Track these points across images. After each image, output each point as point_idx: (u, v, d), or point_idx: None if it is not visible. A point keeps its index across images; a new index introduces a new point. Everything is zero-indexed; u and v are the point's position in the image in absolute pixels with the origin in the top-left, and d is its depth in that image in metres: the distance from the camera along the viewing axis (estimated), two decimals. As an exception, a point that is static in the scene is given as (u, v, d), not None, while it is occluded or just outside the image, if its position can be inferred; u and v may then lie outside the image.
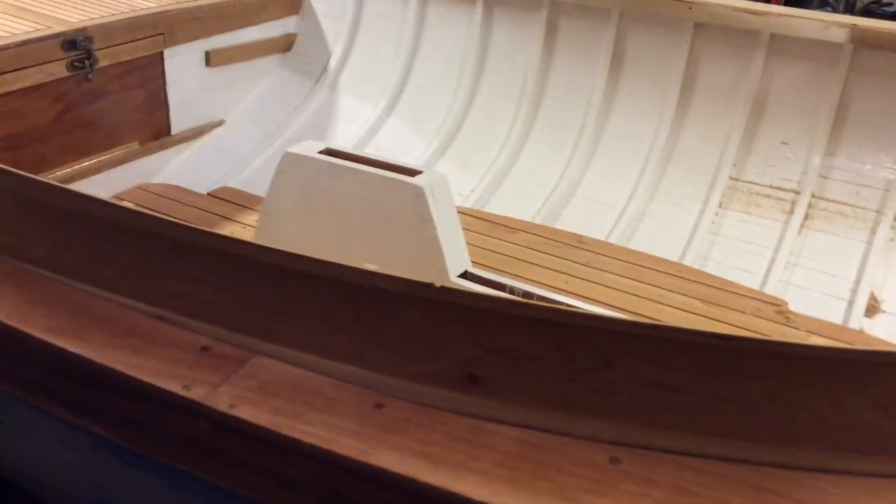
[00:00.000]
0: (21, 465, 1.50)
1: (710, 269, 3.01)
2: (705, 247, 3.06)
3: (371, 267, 1.01)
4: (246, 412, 1.02)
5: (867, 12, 4.37)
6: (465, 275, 2.28)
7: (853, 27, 2.79)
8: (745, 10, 2.98)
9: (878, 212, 2.90)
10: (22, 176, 1.20)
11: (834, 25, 2.82)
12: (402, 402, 1.05)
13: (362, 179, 2.28)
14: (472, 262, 2.52)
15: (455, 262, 2.34)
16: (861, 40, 2.79)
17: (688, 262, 3.03)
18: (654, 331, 0.94)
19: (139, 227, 1.15)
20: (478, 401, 1.02)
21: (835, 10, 4.02)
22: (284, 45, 3.66)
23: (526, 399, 1.01)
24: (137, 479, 1.19)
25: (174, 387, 1.05)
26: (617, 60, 3.30)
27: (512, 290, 2.53)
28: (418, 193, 2.23)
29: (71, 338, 1.12)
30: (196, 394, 1.05)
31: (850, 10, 4.40)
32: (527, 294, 2.52)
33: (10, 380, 1.21)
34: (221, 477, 1.07)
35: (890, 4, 4.39)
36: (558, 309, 0.97)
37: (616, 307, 2.50)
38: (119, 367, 1.07)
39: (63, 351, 1.10)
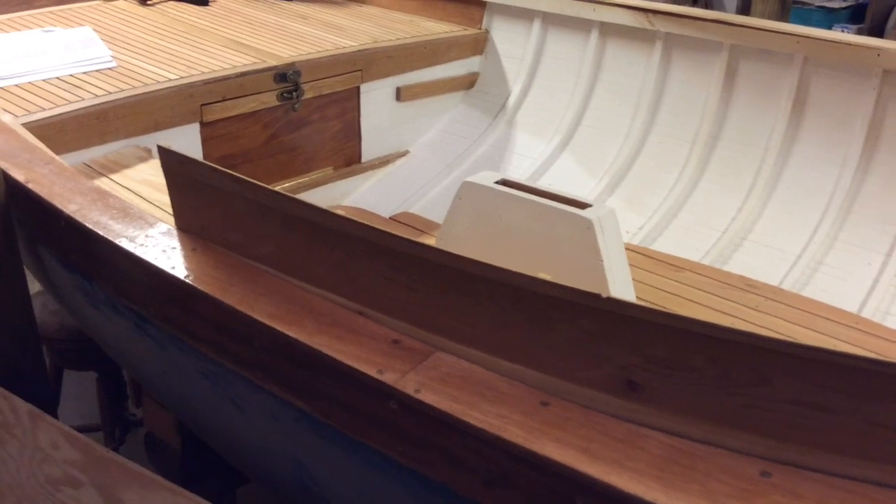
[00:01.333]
0: (229, 435, 1.74)
1: (891, 323, 2.90)
2: (887, 300, 2.95)
3: (544, 276, 1.14)
4: (429, 397, 1.17)
5: None
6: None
7: None
8: (939, 57, 2.88)
9: None
10: (254, 184, 1.43)
11: None
12: (566, 402, 1.16)
13: (534, 210, 2.43)
14: (638, 297, 2.59)
15: (619, 295, 2.42)
16: None
17: (866, 314, 2.93)
18: (811, 352, 1.00)
19: (346, 231, 1.35)
20: (635, 406, 1.12)
21: None
22: (468, 82, 3.90)
23: (680, 408, 1.09)
24: (330, 453, 1.37)
25: (370, 370, 1.22)
26: (798, 105, 3.27)
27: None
28: (587, 226, 2.34)
29: (288, 323, 1.32)
30: (388, 378, 1.21)
31: None
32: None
33: (233, 357, 1.43)
34: (403, 454, 1.23)
35: None
36: (716, 325, 1.05)
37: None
38: (325, 349, 1.25)
39: (280, 334, 1.30)
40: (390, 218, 3.32)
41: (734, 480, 1.03)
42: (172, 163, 1.57)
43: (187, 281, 1.44)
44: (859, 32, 4.76)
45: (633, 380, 1.12)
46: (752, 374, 1.04)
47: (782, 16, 4.82)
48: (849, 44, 3.12)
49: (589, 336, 1.14)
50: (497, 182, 2.50)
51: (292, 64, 3.12)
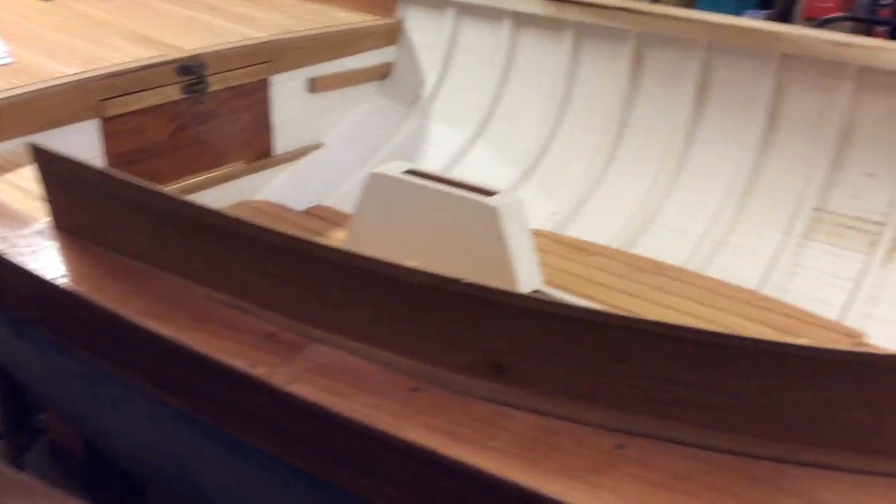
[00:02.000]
0: (115, 438, 1.71)
1: (789, 299, 3.00)
2: (785, 277, 3.05)
3: (412, 263, 1.15)
4: (300, 389, 1.17)
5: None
6: (536, 293, 2.38)
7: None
8: (833, 42, 2.98)
9: (968, 246, 2.83)
10: (127, 181, 1.41)
11: (922, 56, 2.79)
12: (436, 387, 1.17)
13: (441, 198, 2.44)
14: (548, 282, 2.63)
15: (526, 280, 2.46)
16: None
17: (766, 291, 3.03)
18: (659, 328, 1.03)
19: (220, 225, 1.33)
20: (501, 388, 1.14)
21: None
22: (382, 73, 3.89)
23: (544, 388, 1.12)
24: (209, 450, 1.36)
25: (242, 365, 1.21)
26: (702, 90, 3.35)
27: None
28: (492, 213, 2.36)
29: (161, 320, 1.31)
30: (260, 372, 1.21)
31: (959, 41, 4.26)
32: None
33: (109, 357, 1.41)
34: (277, 447, 1.22)
35: None
36: (572, 306, 1.08)
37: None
38: (197, 345, 1.24)
39: (152, 332, 1.28)
40: (304, 211, 3.30)
41: (591, 454, 1.06)
42: (46, 161, 1.53)
43: (59, 282, 1.41)
44: (769, 18, 4.90)
45: (498, 362, 1.14)
46: (607, 351, 1.07)
47: (691, 3, 4.93)
48: (749, 29, 3.21)
49: (455, 321, 1.15)
50: (405, 172, 2.51)
51: (197, 56, 3.07)
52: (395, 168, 2.55)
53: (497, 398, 1.14)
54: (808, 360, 0.96)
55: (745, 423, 1.02)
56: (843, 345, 2.56)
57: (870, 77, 2.98)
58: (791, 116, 3.20)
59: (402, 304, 1.18)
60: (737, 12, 4.96)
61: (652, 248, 3.25)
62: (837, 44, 2.98)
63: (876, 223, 3.01)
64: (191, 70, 3.03)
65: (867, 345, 2.57)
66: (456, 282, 1.12)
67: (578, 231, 3.34)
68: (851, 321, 2.87)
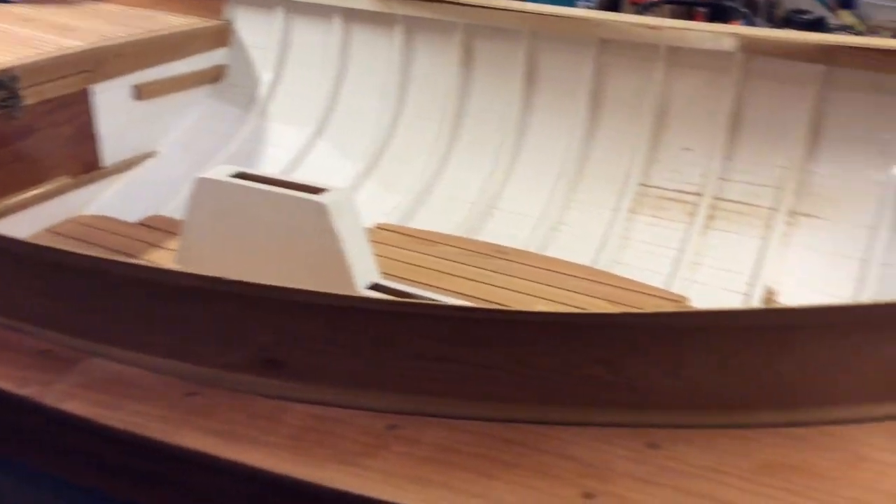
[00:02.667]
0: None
1: (621, 271, 3.15)
2: (616, 250, 3.20)
3: (175, 266, 1.14)
4: (71, 405, 1.14)
5: (787, 21, 4.55)
6: (375, 286, 2.40)
7: (743, 37, 2.95)
8: (643, 26, 3.14)
9: (772, 209, 3.04)
10: None
11: (725, 36, 2.98)
12: (214, 389, 1.17)
13: (270, 200, 2.42)
14: (392, 275, 2.65)
15: (363, 274, 2.47)
16: (751, 48, 2.95)
17: (600, 265, 3.17)
18: (418, 309, 1.07)
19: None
20: (278, 383, 1.15)
21: (751, 21, 4.20)
22: (214, 75, 3.81)
23: (319, 377, 1.14)
24: (-4, 476, 1.31)
25: (10, 385, 1.17)
26: (530, 78, 3.46)
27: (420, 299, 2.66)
28: (321, 210, 2.36)
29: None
30: (30, 391, 1.17)
31: (771, 19, 4.57)
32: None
33: None
34: (55, 466, 1.19)
35: (808, 13, 4.57)
36: (336, 295, 1.10)
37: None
38: (-37, 371, 1.20)
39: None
40: (139, 223, 3.20)
41: (364, 437, 1.08)
42: None
43: None
44: (599, 7, 5.10)
45: (273, 358, 1.15)
46: (372, 336, 1.10)
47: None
48: (569, 17, 3.33)
49: (226, 321, 1.15)
50: (234, 175, 2.47)
51: (8, 70, 2.92)
52: (223, 172, 2.51)
53: (275, 393, 1.15)
54: (546, 326, 1.02)
55: (504, 390, 1.07)
56: (669, 309, 2.71)
57: (679, 56, 3.16)
58: (612, 98, 3.35)
59: (171, 308, 1.17)
60: (569, 3, 5.15)
61: (494, 233, 3.34)
62: (649, 27, 3.14)
63: (694, 194, 3.20)
64: (2, 85, 2.89)
65: (690, 307, 2.73)
66: (220, 281, 1.12)
67: (422, 222, 3.39)
68: (677, 287, 3.04)
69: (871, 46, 2.67)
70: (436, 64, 3.62)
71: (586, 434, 1.05)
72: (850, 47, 2.69)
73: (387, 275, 2.54)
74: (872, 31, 4.44)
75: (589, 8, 4.89)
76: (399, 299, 1.10)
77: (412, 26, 3.61)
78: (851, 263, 2.93)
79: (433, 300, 1.81)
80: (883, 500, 0.91)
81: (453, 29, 3.53)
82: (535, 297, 2.83)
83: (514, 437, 1.06)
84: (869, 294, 2.84)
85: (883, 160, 2.92)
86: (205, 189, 2.48)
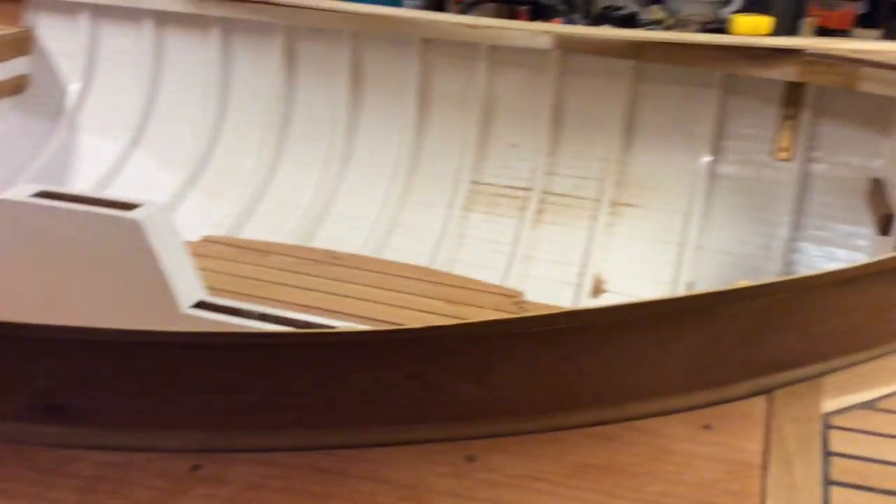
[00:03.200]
0: None
1: (458, 269, 3.16)
2: (453, 249, 3.22)
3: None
4: None
5: (603, 17, 4.74)
6: (201, 304, 2.27)
7: (557, 35, 3.03)
8: (463, 24, 3.16)
9: (596, 200, 3.15)
10: None
11: (540, 34, 3.04)
12: (-6, 443, 1.05)
13: (78, 219, 2.23)
14: (222, 290, 2.52)
15: (186, 293, 2.33)
16: (565, 46, 3.03)
17: (437, 265, 3.17)
18: (206, 338, 1.00)
19: None
20: (64, 430, 1.04)
21: (570, 19, 4.34)
22: (15, 86, 3.51)
23: (111, 422, 1.04)
24: None
25: None
26: (356, 79, 3.41)
27: (249, 314, 2.55)
28: (135, 227, 2.20)
29: None
30: None
31: (588, 16, 4.75)
32: (263, 316, 2.55)
33: None
34: None
35: (621, 8, 4.77)
36: (117, 330, 1.00)
37: (362, 318, 2.58)
38: None
39: None
40: (-70, 251, 2.89)
41: (163, 483, 1.00)
42: None
43: None
44: (425, 7, 5.12)
45: (55, 403, 1.04)
46: (159, 372, 1.01)
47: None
48: (389, 17, 3.30)
49: None
50: (35, 195, 2.26)
51: None
52: (23, 192, 2.29)
53: (60, 442, 1.04)
54: (352, 345, 0.98)
55: (312, 416, 1.01)
56: (506, 306, 2.75)
57: (500, 55, 3.20)
58: (440, 97, 3.36)
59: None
60: (395, 2, 5.14)
61: (329, 238, 3.27)
62: (469, 26, 3.16)
63: (524, 189, 3.26)
64: None
65: (527, 302, 2.77)
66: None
67: (253, 232, 3.26)
68: (512, 282, 3.09)
69: (675, 41, 2.81)
70: (257, 67, 3.50)
71: (404, 453, 1.01)
72: (657, 42, 2.82)
73: (215, 290, 2.42)
74: (681, 24, 4.71)
75: (415, 7, 4.90)
76: (184, 330, 1.02)
77: (229, 28, 3.47)
78: (670, 248, 3.08)
79: (232, 325, 1.73)
80: (687, 491, 0.93)
81: (274, 31, 3.42)
82: (373, 302, 2.79)
83: (327, 465, 1.01)
84: (686, 276, 3.00)
85: (692, 150, 3.08)
86: (4, 212, 2.26)
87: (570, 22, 4.19)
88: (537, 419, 1.01)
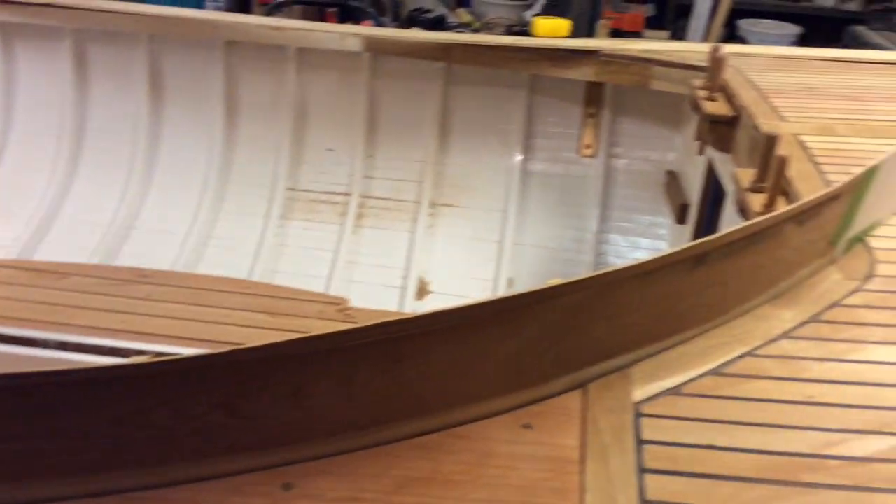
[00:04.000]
0: None
1: (279, 280, 3.06)
2: (273, 259, 3.11)
3: None
4: None
5: (412, 20, 4.76)
6: (-15, 337, 2.05)
7: (367, 37, 3.00)
8: (267, 27, 3.05)
9: (415, 202, 3.16)
10: None
11: (349, 36, 3.00)
12: None
13: None
14: (12, 318, 2.30)
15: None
16: (375, 48, 3.00)
17: (256, 277, 3.05)
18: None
19: None
20: None
21: (379, 21, 4.32)
22: None
23: None
24: None
25: None
26: (156, 85, 3.21)
27: (45, 343, 2.34)
28: None
29: None
30: None
31: (397, 18, 4.76)
32: (62, 344, 2.34)
33: None
34: None
35: (430, 11, 4.82)
36: None
37: (176, 338, 2.42)
38: None
39: None
40: None
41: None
42: None
43: None
44: (228, 7, 4.92)
45: None
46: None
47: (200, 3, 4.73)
48: (187, 19, 3.13)
49: None
50: None
51: None
52: None
53: None
54: (151, 377, 0.89)
55: (101, 459, 0.91)
56: (331, 313, 2.68)
57: (309, 57, 3.13)
58: (249, 102, 3.24)
59: None
60: (198, 4, 4.91)
61: (136, 255, 3.06)
62: (274, 28, 3.06)
63: (343, 194, 3.21)
64: None
65: (353, 308, 2.72)
66: None
67: (50, 253, 3.00)
68: (336, 289, 3.03)
69: (481, 44, 2.86)
70: (44, 75, 3.22)
71: (215, 488, 0.94)
72: (464, 45, 2.85)
73: (4, 319, 2.20)
74: (488, 27, 4.83)
75: (217, 9, 4.71)
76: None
77: (10, 33, 3.17)
78: (490, 246, 3.14)
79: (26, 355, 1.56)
80: (510, 495, 0.92)
81: (61, 35, 3.16)
82: (188, 320, 2.64)
83: (128, 509, 0.91)
84: (507, 272, 3.07)
85: (505, 149, 3.16)
86: None
87: (379, 24, 4.18)
88: (358, 436, 0.96)
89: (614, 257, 3.08)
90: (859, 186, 1.28)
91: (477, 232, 3.16)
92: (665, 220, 3.06)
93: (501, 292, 2.98)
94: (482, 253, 3.13)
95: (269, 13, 3.99)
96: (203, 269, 3.06)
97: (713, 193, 2.46)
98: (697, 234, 2.58)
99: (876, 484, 0.94)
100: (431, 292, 3.03)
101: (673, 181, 2.95)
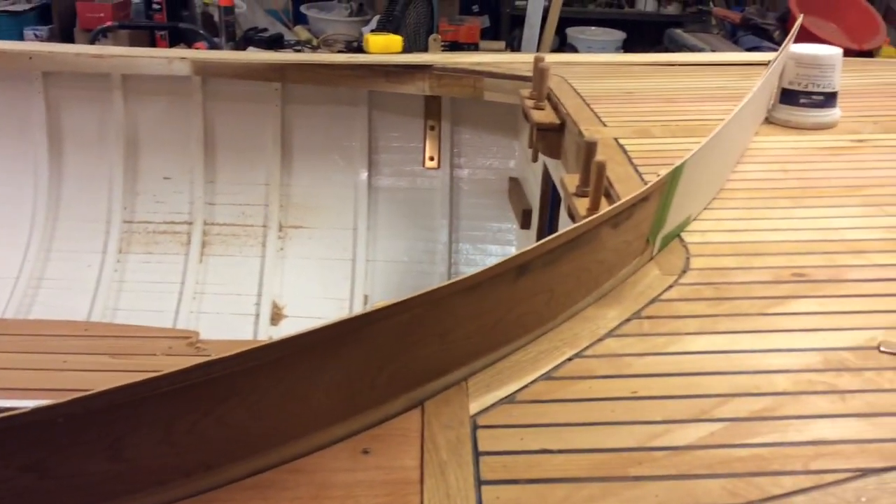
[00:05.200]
0: None
1: (122, 318, 2.91)
2: (113, 297, 2.96)
3: None
4: None
5: (248, 40, 4.66)
6: None
7: (195, 60, 2.91)
8: (88, 55, 2.91)
9: (263, 226, 3.09)
10: None
11: (176, 60, 2.90)
12: None
13: None
14: None
15: None
16: (205, 71, 2.92)
17: (96, 317, 2.89)
18: None
19: None
20: None
21: (213, 43, 4.21)
22: None
23: None
24: None
25: None
26: None
27: None
28: None
29: None
30: None
31: (232, 39, 4.64)
32: None
33: None
34: None
35: (265, 30, 4.74)
36: None
37: (12, 389, 2.26)
38: None
39: None
40: None
41: None
42: None
43: None
44: (50, 34, 4.67)
45: None
46: None
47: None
48: (1, 51, 2.94)
49: None
50: None
51: None
52: None
53: None
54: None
55: None
56: (181, 348, 2.57)
57: (135, 84, 3.00)
58: (74, 133, 3.07)
59: None
60: (18, 31, 4.63)
61: (-41, 306, 2.84)
62: (95, 56, 2.92)
63: (184, 223, 3.10)
64: None
65: (204, 341, 2.62)
66: None
67: None
68: (185, 322, 2.92)
69: (316, 62, 2.84)
70: None
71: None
72: (299, 64, 2.82)
73: None
74: (328, 44, 4.80)
75: (39, 39, 4.46)
76: None
77: None
78: (344, 264, 3.12)
79: None
80: (349, 525, 0.91)
81: None
82: (23, 370, 2.46)
83: None
84: (362, 290, 3.05)
85: (350, 166, 3.15)
86: None
87: (213, 46, 4.07)
88: (184, 484, 0.92)
89: (466, 266, 3.13)
90: (667, 186, 1.36)
91: (329, 251, 3.13)
92: (512, 225, 3.14)
93: (358, 310, 2.96)
94: (336, 272, 3.10)
95: (92, 40, 3.81)
96: (37, 314, 2.87)
97: (552, 198, 2.55)
98: (540, 238, 2.67)
99: (697, 471, 0.99)
100: (287, 316, 2.97)
101: (515, 188, 3.04)
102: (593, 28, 5.42)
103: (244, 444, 0.96)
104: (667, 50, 4.67)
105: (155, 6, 4.41)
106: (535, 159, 2.43)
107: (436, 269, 3.14)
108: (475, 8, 5.44)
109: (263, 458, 0.97)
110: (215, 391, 0.91)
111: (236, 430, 0.94)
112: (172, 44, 4.29)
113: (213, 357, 0.89)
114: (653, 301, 1.31)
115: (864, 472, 0.98)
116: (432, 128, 3.11)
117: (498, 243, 3.15)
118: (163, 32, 4.33)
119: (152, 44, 4.42)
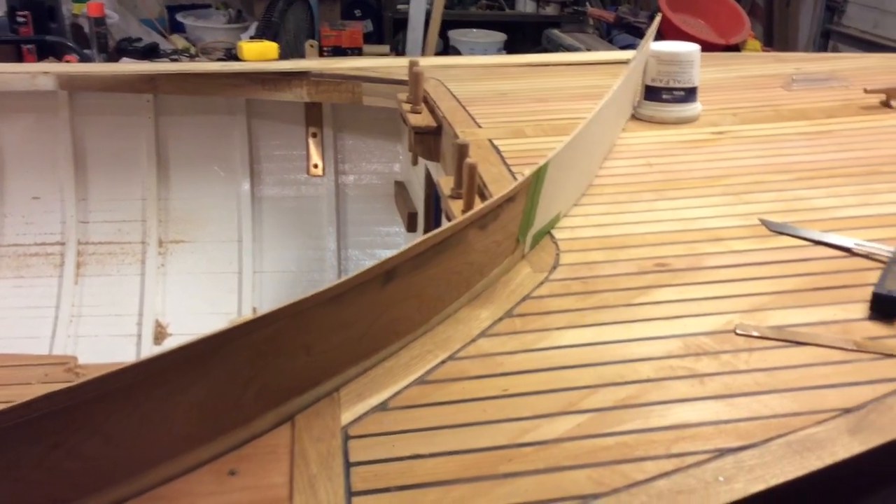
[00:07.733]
0: None
1: (83, 347, 2.77)
2: (73, 326, 2.81)
3: None
4: None
5: (120, 51, 4.48)
6: None
7: (60, 74, 2.77)
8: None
9: (142, 243, 2.98)
10: None
11: (40, 75, 2.76)
12: None
13: None
14: None
15: None
16: (72, 85, 2.79)
17: (59, 349, 2.74)
18: None
19: None
20: None
21: (84, 55, 4.02)
22: None
23: None
24: None
25: None
26: None
27: None
28: None
29: None
30: None
31: (104, 50, 4.45)
32: None
33: None
34: None
35: (140, 40, 4.57)
36: None
37: None
38: None
39: None
40: None
41: None
42: None
43: None
44: None
45: None
46: None
47: None
48: None
49: None
50: None
51: None
52: None
53: None
54: None
55: None
56: (59, 375, 2.45)
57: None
58: None
59: None
60: None
61: None
62: (-53, 72, 2.74)
63: (56, 244, 2.95)
64: None
65: (82, 366, 2.50)
66: None
67: None
68: (63, 348, 2.78)
69: (188, 72, 2.76)
70: None
71: None
72: (169, 74, 2.74)
73: None
74: (206, 52, 4.67)
75: None
76: None
77: None
78: (229, 278, 3.04)
79: None
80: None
81: None
82: None
83: None
84: (250, 302, 2.99)
85: (232, 176, 3.08)
86: None
87: (84, 59, 3.89)
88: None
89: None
90: (532, 185, 1.38)
91: (213, 265, 3.05)
92: (400, 229, 3.13)
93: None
94: (221, 286, 3.02)
95: (-53, 54, 3.58)
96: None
97: (435, 201, 2.56)
98: (426, 240, 2.67)
99: (565, 462, 1.01)
100: (171, 334, 2.88)
101: (401, 191, 3.04)
102: (475, 30, 5.48)
103: (101, 474, 0.91)
104: (545, 50, 4.77)
105: (20, 19, 4.17)
106: (415, 162, 2.44)
107: (325, 276, 3.10)
108: (357, 13, 5.41)
109: (123, 487, 0.93)
110: (64, 422, 0.87)
111: (91, 460, 0.90)
112: (41, 58, 4.07)
113: (59, 388, 0.85)
114: (524, 299, 1.34)
115: (722, 452, 1.02)
116: (314, 135, 3.07)
117: (387, 247, 3.14)
118: (29, 46, 4.10)
119: (19, 59, 4.19)
